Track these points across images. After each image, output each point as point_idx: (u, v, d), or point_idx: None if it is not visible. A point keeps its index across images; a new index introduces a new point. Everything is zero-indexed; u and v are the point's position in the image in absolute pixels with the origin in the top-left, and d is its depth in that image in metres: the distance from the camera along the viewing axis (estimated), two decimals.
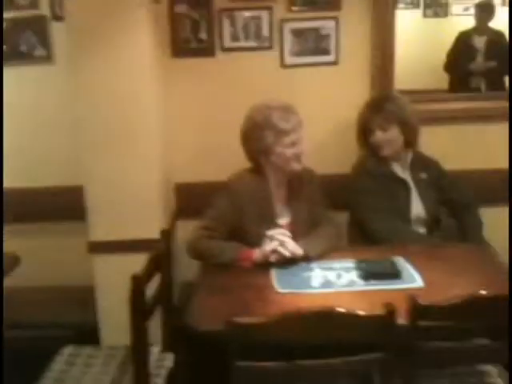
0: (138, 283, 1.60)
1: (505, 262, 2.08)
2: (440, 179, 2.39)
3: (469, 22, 4.58)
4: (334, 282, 1.84)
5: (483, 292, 1.47)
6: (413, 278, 1.84)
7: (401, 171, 2.36)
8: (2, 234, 2.14)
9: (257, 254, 1.99)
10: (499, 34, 4.05)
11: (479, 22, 4.26)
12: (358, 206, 2.33)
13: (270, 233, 1.99)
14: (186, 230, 2.22)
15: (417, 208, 2.34)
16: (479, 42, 4.14)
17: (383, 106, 2.31)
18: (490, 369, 1.72)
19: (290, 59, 2.58)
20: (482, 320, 1.50)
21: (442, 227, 2.38)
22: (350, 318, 1.37)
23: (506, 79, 3.92)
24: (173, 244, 2.31)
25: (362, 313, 1.38)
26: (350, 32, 2.55)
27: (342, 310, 1.36)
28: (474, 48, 4.13)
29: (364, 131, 2.36)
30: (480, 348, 1.56)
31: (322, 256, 2.02)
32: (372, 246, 2.23)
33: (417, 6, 5.55)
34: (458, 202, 2.42)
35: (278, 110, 2.08)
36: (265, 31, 2.55)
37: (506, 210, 2.60)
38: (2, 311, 1.82)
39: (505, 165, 2.61)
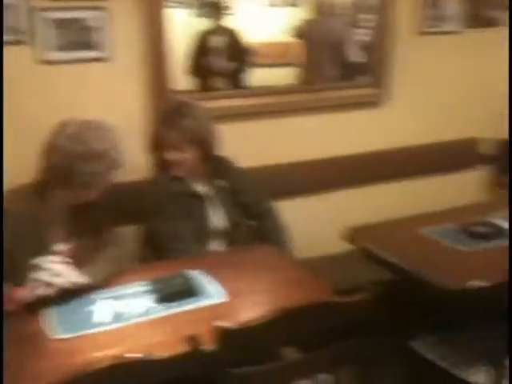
0: None
1: (300, 262, 2.05)
2: (236, 182, 2.23)
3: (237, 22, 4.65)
4: (125, 312, 1.56)
5: (289, 304, 1.36)
6: (214, 293, 1.66)
7: (197, 185, 2.15)
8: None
9: (22, 291, 1.59)
10: (234, 33, 4.11)
11: (212, 21, 4.28)
12: (156, 231, 2.09)
13: (37, 261, 1.62)
14: None
15: (217, 221, 2.16)
16: (217, 42, 4.16)
17: (179, 121, 2.02)
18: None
19: (52, 55, 2.21)
20: (292, 332, 1.38)
21: (241, 234, 2.25)
22: (149, 365, 1.12)
23: (243, 77, 4.03)
24: None
25: (162, 356, 1.14)
26: (122, 25, 2.28)
27: (136, 357, 1.10)
28: (212, 48, 4.14)
29: (156, 146, 2.09)
30: (292, 365, 1.44)
31: (109, 282, 1.73)
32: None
33: (189, 5, 5.50)
34: (254, 206, 2.29)
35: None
36: (21, 22, 2.13)
37: (300, 201, 2.67)
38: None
39: (295, 158, 2.66)
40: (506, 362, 1.67)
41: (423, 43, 2.86)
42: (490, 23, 3.04)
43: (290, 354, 1.54)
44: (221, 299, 1.63)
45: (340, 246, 2.22)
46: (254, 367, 1.30)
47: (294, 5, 5.65)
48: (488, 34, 3.00)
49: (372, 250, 2.05)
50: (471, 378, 1.73)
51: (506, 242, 1.94)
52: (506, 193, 2.73)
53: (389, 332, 1.52)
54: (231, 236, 2.21)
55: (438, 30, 2.92)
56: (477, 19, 3.01)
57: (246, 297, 1.65)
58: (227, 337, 1.27)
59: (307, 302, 1.43)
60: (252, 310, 1.55)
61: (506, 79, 3.04)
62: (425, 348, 1.85)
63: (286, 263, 1.95)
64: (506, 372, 1.65)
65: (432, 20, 2.91)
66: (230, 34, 4.05)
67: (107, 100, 2.31)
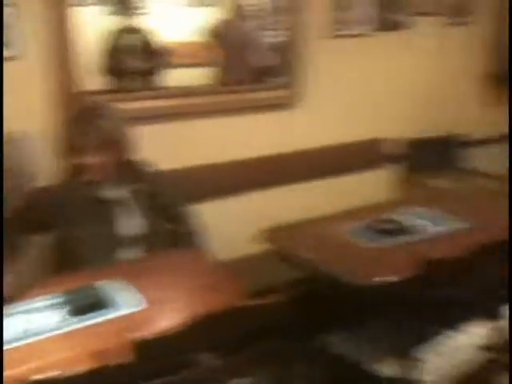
0: None
1: (219, 265, 2.05)
2: (152, 185, 2.19)
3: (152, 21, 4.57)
4: (34, 328, 1.48)
5: (205, 311, 1.36)
6: (129, 302, 1.62)
7: (111, 189, 2.08)
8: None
9: None
10: (149, 32, 4.06)
11: (126, 20, 4.21)
12: (67, 239, 2.03)
13: None
14: None
15: (134, 226, 2.11)
16: (131, 41, 4.08)
17: (92, 123, 1.96)
18: None
19: None
20: (209, 339, 1.38)
21: (161, 239, 2.22)
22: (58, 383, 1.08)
23: (159, 77, 4.00)
24: None
25: (71, 372, 1.11)
26: (30, 23, 2.19)
27: (44, 375, 1.06)
28: (126, 48, 4.06)
29: (68, 149, 2.00)
30: (208, 371, 1.44)
31: (22, 295, 1.64)
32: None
33: (102, 3, 5.32)
34: (171, 208, 2.27)
35: None
36: None
37: (218, 203, 2.67)
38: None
39: (212, 160, 2.66)
40: (415, 354, 1.75)
41: (334, 45, 2.95)
42: (396, 27, 3.18)
43: (208, 360, 1.54)
44: (136, 308, 1.59)
45: (258, 247, 2.24)
46: (168, 377, 1.29)
47: (210, 5, 5.64)
48: (394, 36, 3.14)
49: (288, 250, 2.09)
50: (384, 371, 1.81)
51: (411, 238, 2.04)
52: (412, 190, 2.88)
53: (304, 331, 1.55)
54: (149, 241, 2.17)
55: (349, 32, 3.02)
56: (385, 23, 3.14)
57: (162, 305, 1.62)
58: (142, 348, 1.26)
59: (223, 307, 1.44)
60: (169, 318, 1.53)
61: (412, 80, 3.20)
62: (339, 344, 1.92)
63: (203, 268, 1.94)
64: (416, 364, 1.74)
65: (342, 23, 3.00)
66: (145, 34, 3.97)
67: (13, 101, 2.20)
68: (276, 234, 2.18)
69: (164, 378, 1.30)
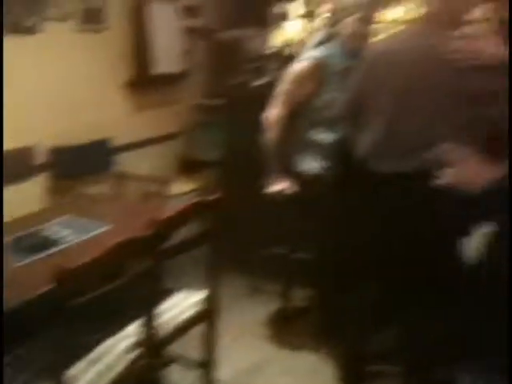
0: None
1: None
2: None
3: None
4: None
5: None
6: None
7: None
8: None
9: None
10: None
11: None
12: None
13: None
14: None
15: None
16: None
17: None
18: None
19: None
20: None
21: None
22: None
23: None
24: None
25: None
26: None
27: None
28: None
29: None
30: None
31: None
32: None
33: None
34: None
35: None
36: None
37: None
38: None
39: None
40: (69, 370, 1.66)
41: None
42: (29, 31, 3.00)
43: None
44: None
45: None
46: None
47: None
48: (29, 41, 2.97)
49: None
50: None
51: (52, 250, 1.94)
52: (62, 199, 2.78)
53: None
54: None
55: None
56: (16, 26, 2.93)
57: None
58: None
59: None
60: None
61: (57, 88, 3.08)
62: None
63: None
64: (69, 380, 1.64)
65: None
66: None
67: None
68: None
69: None
